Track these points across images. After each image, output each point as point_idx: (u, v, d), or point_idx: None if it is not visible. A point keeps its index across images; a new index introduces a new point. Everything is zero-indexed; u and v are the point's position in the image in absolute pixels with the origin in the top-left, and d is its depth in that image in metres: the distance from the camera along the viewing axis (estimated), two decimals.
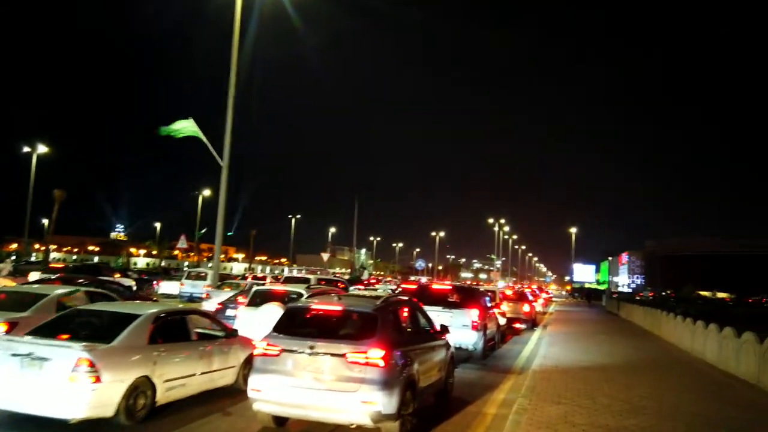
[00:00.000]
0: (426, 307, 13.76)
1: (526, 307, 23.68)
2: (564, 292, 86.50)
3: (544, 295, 54.38)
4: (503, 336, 19.18)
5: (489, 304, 15.23)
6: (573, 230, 72.22)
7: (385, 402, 6.22)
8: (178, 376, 7.10)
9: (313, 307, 7.09)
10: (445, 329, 8.99)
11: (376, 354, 6.33)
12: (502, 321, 18.91)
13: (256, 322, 10.11)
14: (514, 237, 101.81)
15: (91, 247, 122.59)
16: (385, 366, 6.32)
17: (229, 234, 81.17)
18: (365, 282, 38.67)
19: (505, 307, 22.30)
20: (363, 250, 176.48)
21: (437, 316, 13.35)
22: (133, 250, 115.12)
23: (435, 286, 14.58)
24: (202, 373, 7.53)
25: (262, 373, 6.54)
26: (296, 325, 6.98)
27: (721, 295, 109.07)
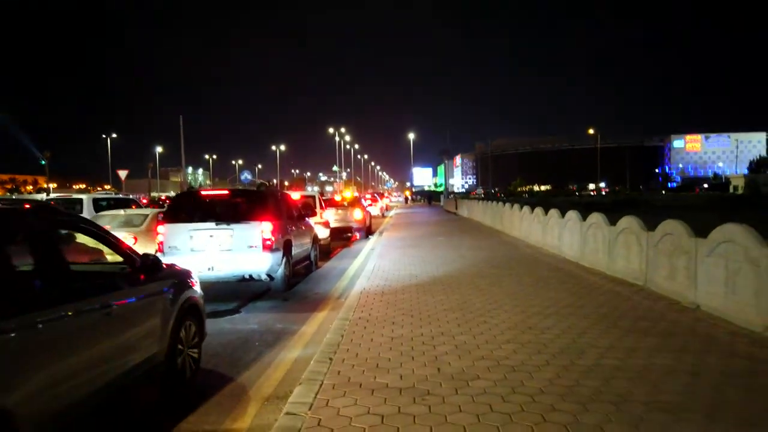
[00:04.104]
0: (195, 225, 9.22)
1: (358, 214, 20.07)
2: (403, 198, 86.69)
3: (385, 201, 52.59)
4: (328, 251, 15.39)
5: (294, 213, 10.96)
6: (411, 136, 71.28)
7: None
8: None
9: None
10: (151, 263, 4.48)
11: None
12: (324, 233, 14.98)
13: None
14: (356, 146, 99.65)
15: None
16: None
17: (42, 162, 67.41)
18: None
19: (332, 215, 18.43)
20: (200, 170, 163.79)
21: (210, 236, 8.87)
22: None
23: (206, 193, 9.84)
24: None
25: None
26: None
27: (544, 187, 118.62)
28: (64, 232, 4.80)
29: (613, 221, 9.41)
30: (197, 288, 5.35)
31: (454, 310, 6.70)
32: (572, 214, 11.29)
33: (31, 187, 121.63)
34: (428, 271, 10.05)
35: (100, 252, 9.46)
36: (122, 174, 33.15)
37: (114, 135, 79.47)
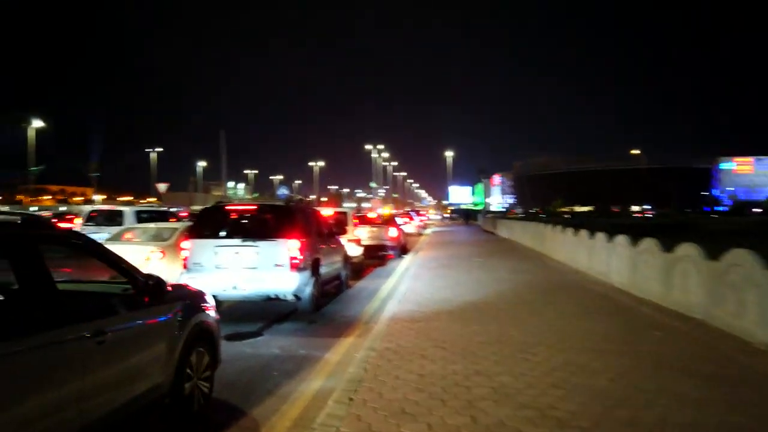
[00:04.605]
0: (219, 241, 8.90)
1: (392, 232, 19.56)
2: (441, 216, 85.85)
3: (421, 218, 51.99)
4: (360, 270, 14.90)
5: (324, 230, 10.53)
6: (449, 153, 70.91)
7: None
8: None
9: None
10: (154, 285, 4.05)
11: None
12: (356, 251, 14.52)
13: None
14: (394, 163, 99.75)
15: None
16: None
17: (94, 174, 70.00)
18: None
19: (364, 232, 17.97)
20: (241, 185, 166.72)
21: (235, 253, 8.50)
22: None
23: (231, 207, 9.51)
24: None
25: None
26: None
27: (584, 208, 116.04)
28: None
29: (665, 246, 8.63)
30: (211, 312, 4.90)
31: (491, 343, 6.08)
32: (621, 239, 10.50)
33: (80, 198, 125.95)
34: (463, 296, 9.43)
35: None
36: (161, 187, 33.81)
37: (160, 149, 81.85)
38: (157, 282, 4.06)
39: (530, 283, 11.14)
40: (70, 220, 27.57)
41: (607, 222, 53.09)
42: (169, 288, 4.27)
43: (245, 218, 9.08)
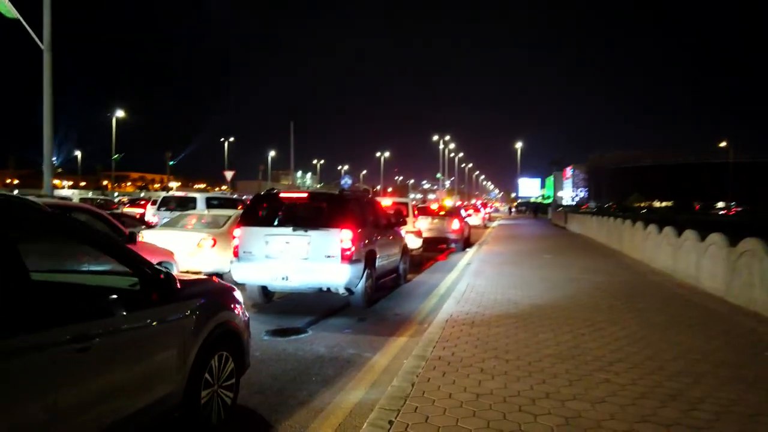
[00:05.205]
0: (270, 230, 8.41)
1: (455, 224, 18.64)
2: (509, 209, 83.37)
3: (487, 210, 50.65)
4: (420, 263, 14.19)
5: (381, 221, 9.86)
6: (518, 145, 68.47)
7: None
8: None
9: None
10: (163, 279, 3.48)
11: None
12: (416, 243, 13.80)
13: None
14: (461, 155, 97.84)
15: (9, 180, 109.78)
16: None
17: (171, 163, 73.44)
18: None
19: (425, 224, 17.19)
20: (309, 174, 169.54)
21: (286, 243, 8.00)
22: (57, 182, 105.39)
23: (283, 195, 8.98)
24: None
25: None
26: None
27: (663, 204, 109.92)
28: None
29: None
30: (238, 310, 4.31)
31: (563, 357, 5.19)
32: (715, 238, 9.19)
33: (158, 185, 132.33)
34: (531, 298, 8.50)
35: (169, 254, 8.94)
36: (228, 175, 34.36)
37: (231, 138, 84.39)
38: (167, 276, 3.50)
39: (607, 284, 10.01)
40: (143, 205, 28.57)
41: (690, 218, 49.63)
42: (183, 283, 3.70)
43: (297, 206, 8.61)
